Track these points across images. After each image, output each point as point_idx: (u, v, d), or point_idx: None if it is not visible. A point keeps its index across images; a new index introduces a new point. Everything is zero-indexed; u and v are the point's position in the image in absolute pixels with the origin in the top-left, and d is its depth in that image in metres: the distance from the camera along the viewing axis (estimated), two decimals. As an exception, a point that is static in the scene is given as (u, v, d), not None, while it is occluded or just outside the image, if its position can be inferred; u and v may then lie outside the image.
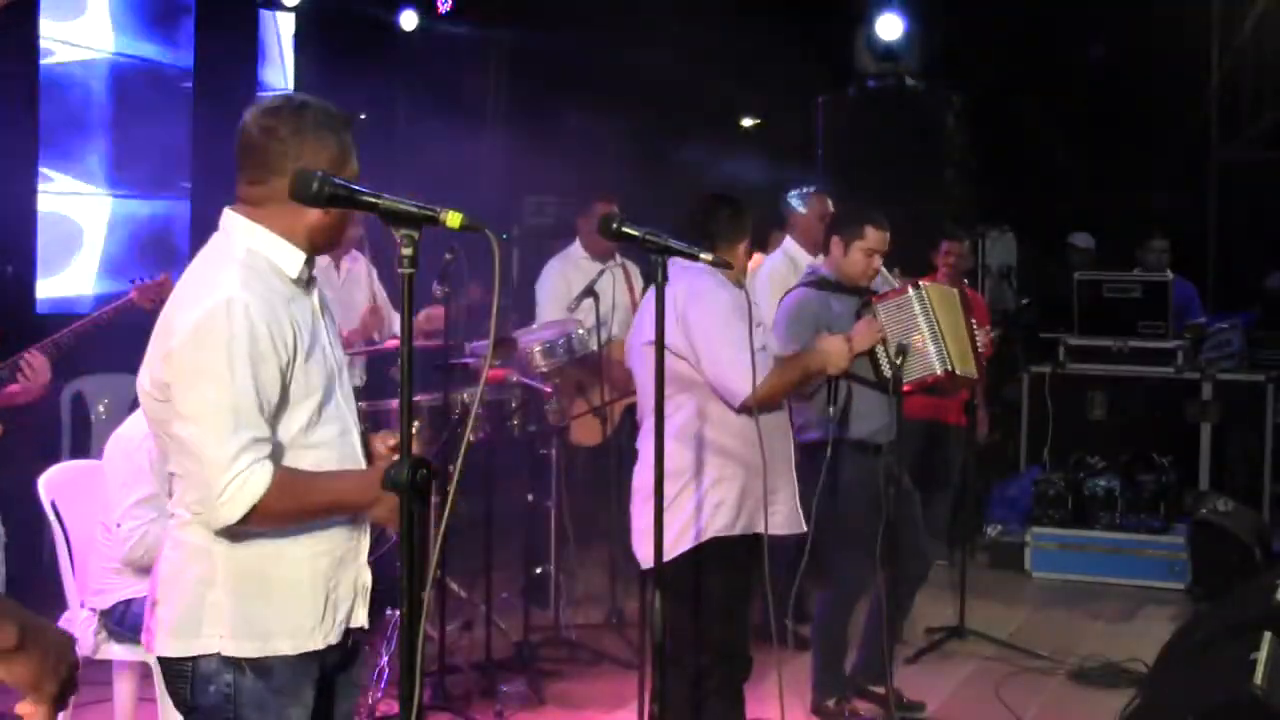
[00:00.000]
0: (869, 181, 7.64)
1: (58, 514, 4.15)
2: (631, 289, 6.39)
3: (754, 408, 3.76)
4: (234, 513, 2.34)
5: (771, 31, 9.43)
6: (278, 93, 2.62)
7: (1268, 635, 3.47)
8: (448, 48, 9.40)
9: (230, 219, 2.54)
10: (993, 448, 7.90)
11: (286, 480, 2.39)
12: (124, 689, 4.20)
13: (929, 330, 4.62)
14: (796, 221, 5.95)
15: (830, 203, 5.89)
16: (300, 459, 2.46)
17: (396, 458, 2.30)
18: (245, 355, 2.35)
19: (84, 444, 6.55)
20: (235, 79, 8.10)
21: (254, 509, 2.35)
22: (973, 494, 7.21)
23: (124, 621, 4.03)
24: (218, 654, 2.43)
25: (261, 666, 2.44)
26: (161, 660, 2.49)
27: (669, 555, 3.65)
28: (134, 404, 6.52)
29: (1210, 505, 6.88)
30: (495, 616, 5.37)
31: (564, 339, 5.59)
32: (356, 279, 6.03)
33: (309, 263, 2.54)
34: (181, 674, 2.46)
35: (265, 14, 8.55)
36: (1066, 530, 7.28)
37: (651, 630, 3.09)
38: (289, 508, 2.41)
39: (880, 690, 4.91)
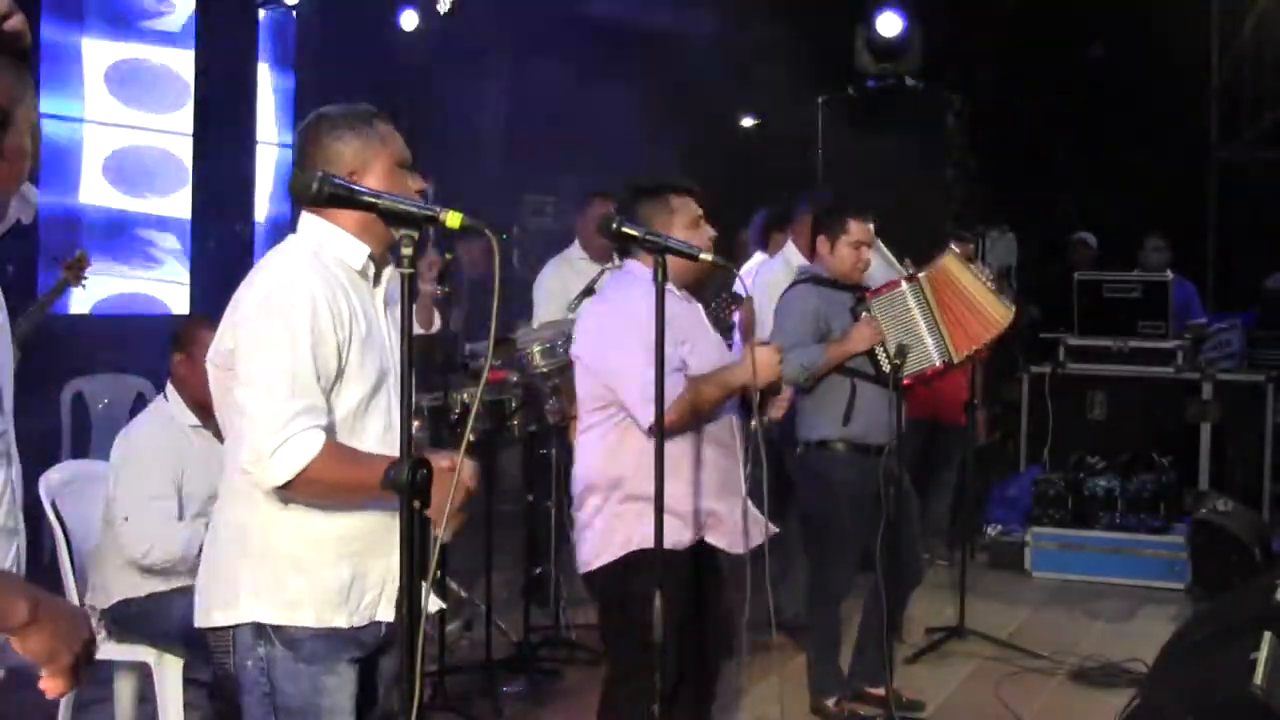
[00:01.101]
0: (869, 181, 7.64)
1: (58, 514, 4.15)
2: (631, 289, 6.38)
3: (662, 431, 3.39)
4: (282, 473, 2.43)
5: (771, 31, 9.42)
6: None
7: (1268, 635, 3.47)
8: (448, 48, 9.40)
9: (304, 218, 2.68)
10: (993, 448, 7.90)
11: (336, 451, 2.48)
12: (124, 689, 4.21)
13: (925, 322, 4.64)
14: (800, 226, 5.94)
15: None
16: (343, 441, 2.54)
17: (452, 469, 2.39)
18: (306, 329, 2.47)
19: (84, 444, 6.56)
20: (236, 79, 8.11)
21: (301, 473, 2.43)
22: (973, 494, 7.22)
23: (125, 621, 4.04)
24: (251, 624, 2.53)
25: (289, 638, 2.53)
26: (208, 633, 2.61)
27: (595, 564, 3.60)
28: (134, 404, 6.54)
29: (1210, 505, 6.88)
30: (495, 616, 5.37)
31: (563, 339, 5.58)
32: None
33: (374, 258, 2.66)
34: (223, 646, 2.58)
35: (265, 14, 8.55)
36: (1066, 530, 7.28)
37: (650, 630, 3.07)
38: (335, 478, 2.48)
39: (877, 692, 4.91)
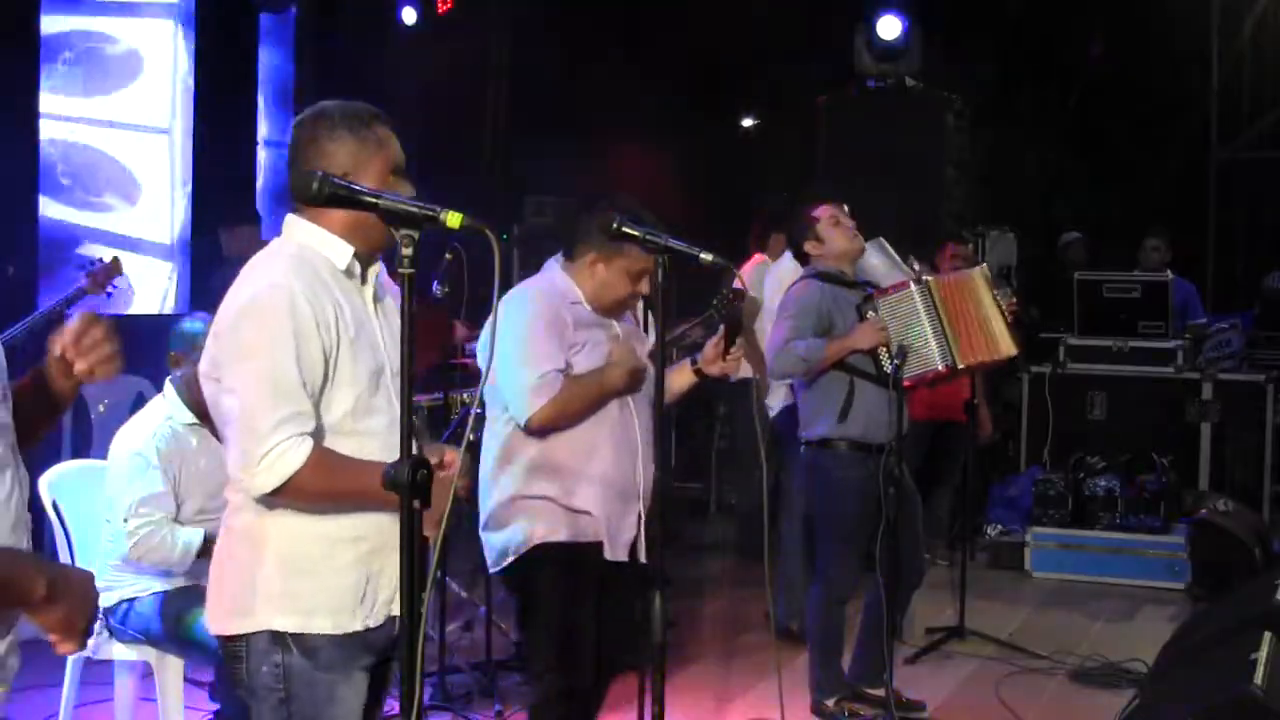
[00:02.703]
0: (869, 181, 7.64)
1: (59, 514, 4.15)
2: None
3: (537, 428, 3.48)
4: (268, 482, 2.44)
5: (771, 31, 9.43)
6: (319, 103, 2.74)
7: (1268, 635, 3.47)
8: (448, 47, 9.40)
9: (289, 220, 2.66)
10: (993, 448, 7.90)
11: (323, 459, 2.47)
12: (125, 689, 4.20)
13: (931, 325, 4.64)
14: None
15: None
16: (342, 444, 2.53)
17: (446, 473, 2.42)
18: (288, 332, 2.45)
19: (84, 444, 6.55)
20: (236, 81, 8.10)
21: (288, 482, 2.43)
22: (973, 494, 7.22)
23: (126, 621, 4.04)
24: (267, 631, 2.52)
25: (306, 645, 2.53)
26: (220, 640, 2.61)
27: (506, 562, 3.62)
28: (134, 404, 6.54)
29: (1210, 505, 6.89)
30: (495, 616, 5.37)
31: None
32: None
33: (360, 257, 2.62)
34: (237, 654, 2.57)
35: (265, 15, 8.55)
36: (1066, 530, 7.28)
37: (651, 630, 3.06)
38: (322, 487, 2.49)
39: (877, 692, 4.90)
